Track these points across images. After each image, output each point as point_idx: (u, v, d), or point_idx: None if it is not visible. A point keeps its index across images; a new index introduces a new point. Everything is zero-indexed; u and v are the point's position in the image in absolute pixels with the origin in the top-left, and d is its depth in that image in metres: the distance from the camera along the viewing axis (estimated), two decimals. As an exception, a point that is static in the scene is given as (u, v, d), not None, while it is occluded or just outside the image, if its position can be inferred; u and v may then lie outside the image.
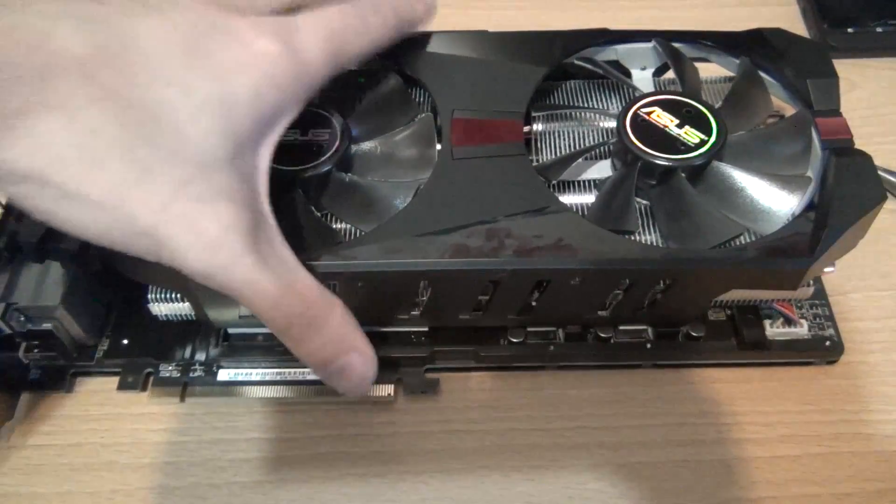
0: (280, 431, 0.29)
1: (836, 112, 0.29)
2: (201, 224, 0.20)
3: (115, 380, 0.30)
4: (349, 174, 0.28)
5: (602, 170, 0.30)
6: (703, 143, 0.28)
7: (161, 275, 0.25)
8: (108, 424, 0.30)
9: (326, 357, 0.23)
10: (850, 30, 0.43)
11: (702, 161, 0.27)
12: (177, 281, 0.26)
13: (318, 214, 0.28)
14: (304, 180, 0.27)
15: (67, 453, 0.29)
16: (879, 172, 0.37)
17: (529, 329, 0.31)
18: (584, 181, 0.29)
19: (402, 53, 0.30)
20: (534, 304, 0.28)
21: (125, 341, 0.31)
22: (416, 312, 0.29)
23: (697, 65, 0.32)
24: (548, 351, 0.31)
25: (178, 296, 0.29)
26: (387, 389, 0.30)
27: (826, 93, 0.29)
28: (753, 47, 0.31)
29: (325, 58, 0.24)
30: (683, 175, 0.27)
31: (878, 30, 0.43)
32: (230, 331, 0.31)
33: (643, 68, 0.33)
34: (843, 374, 0.31)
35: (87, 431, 0.29)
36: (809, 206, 0.27)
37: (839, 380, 0.31)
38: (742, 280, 0.27)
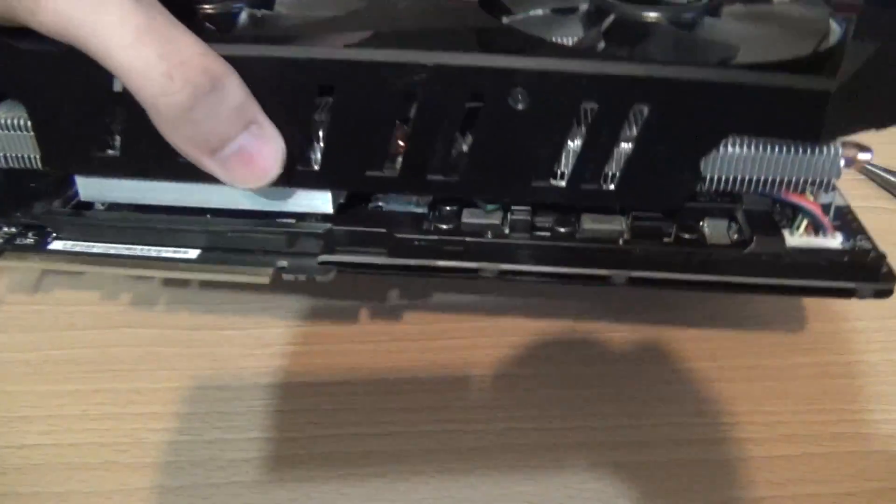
0: (280, 431, 0.29)
1: (854, 6, 0.23)
2: None
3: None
4: (262, 10, 0.24)
5: (572, 31, 0.25)
6: None
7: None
8: (107, 424, 0.30)
9: (221, 135, 0.19)
10: (849, 30, 0.43)
11: (692, 14, 0.22)
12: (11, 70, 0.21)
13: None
14: (212, 16, 0.23)
15: (67, 453, 0.29)
16: (879, 172, 0.37)
17: (465, 220, 0.24)
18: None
19: None
20: (464, 148, 0.22)
21: None
22: (314, 167, 0.23)
23: None
24: (485, 245, 0.24)
25: (14, 123, 0.23)
26: (263, 275, 0.24)
27: None
28: None
29: None
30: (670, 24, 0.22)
31: (858, 167, 0.43)
32: (83, 197, 0.26)
33: None
34: (843, 373, 0.31)
35: (86, 431, 0.29)
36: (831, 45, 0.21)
37: (839, 380, 0.31)
38: (741, 111, 0.20)
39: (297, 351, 0.32)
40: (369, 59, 0.20)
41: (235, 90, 0.19)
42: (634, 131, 0.21)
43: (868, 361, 0.31)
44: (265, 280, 0.25)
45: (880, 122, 0.21)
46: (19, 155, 0.24)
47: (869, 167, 0.36)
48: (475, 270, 0.24)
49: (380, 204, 0.26)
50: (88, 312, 0.35)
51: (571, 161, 0.22)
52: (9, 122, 0.23)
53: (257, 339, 0.33)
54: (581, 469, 0.28)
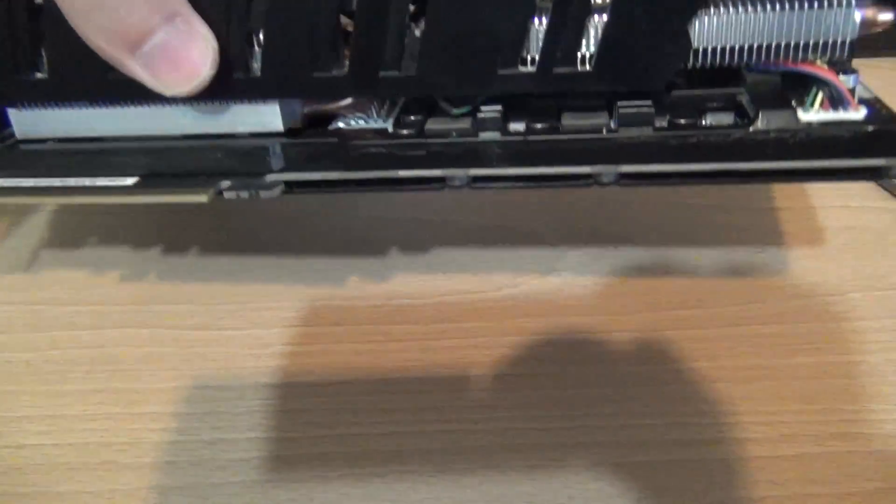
0: (280, 431, 0.29)
1: None
2: None
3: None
4: None
5: None
6: None
7: None
8: (107, 424, 0.30)
9: (139, 25, 0.17)
10: (849, 30, 0.43)
11: None
12: None
13: None
14: None
15: (67, 453, 0.29)
16: (879, 172, 0.37)
17: (429, 127, 0.22)
18: None
19: None
20: (418, 34, 0.20)
21: None
22: (253, 72, 0.20)
23: None
24: (452, 146, 0.21)
25: None
26: (201, 194, 0.22)
27: None
28: None
29: None
30: None
31: (879, 29, 0.43)
32: (18, 135, 0.25)
33: None
34: (843, 374, 0.31)
35: (86, 431, 0.29)
36: None
37: (839, 380, 0.31)
38: None
39: (297, 351, 0.32)
40: None
41: None
42: None
43: (868, 361, 0.31)
44: (204, 199, 0.22)
45: None
46: None
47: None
48: (442, 179, 0.22)
49: (339, 125, 0.23)
50: (88, 312, 0.35)
51: (541, 43, 0.19)
52: None
53: (257, 339, 0.33)
54: (581, 469, 0.28)
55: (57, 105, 0.23)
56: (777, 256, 0.34)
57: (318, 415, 0.30)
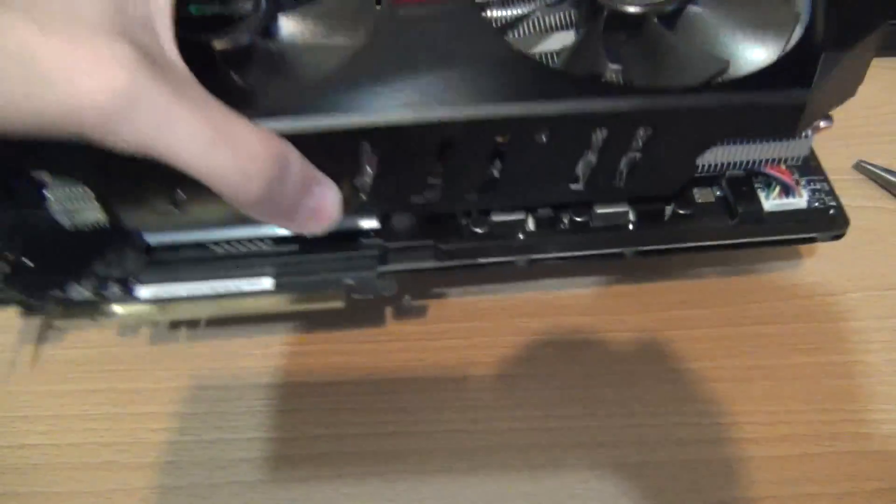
0: (280, 431, 0.29)
1: None
2: (80, 64, 0.17)
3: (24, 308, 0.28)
4: (276, 41, 0.26)
5: (564, 40, 0.27)
6: None
7: (58, 154, 0.22)
8: (107, 424, 0.30)
9: (295, 202, 0.21)
10: (849, 30, 0.43)
11: (676, 5, 0.25)
12: (75, 164, 0.23)
13: (242, 83, 0.25)
14: (226, 52, 0.24)
15: (67, 453, 0.29)
16: (879, 172, 0.37)
17: (495, 219, 0.27)
18: (545, 53, 0.26)
19: None
20: (496, 175, 0.25)
21: (29, 261, 0.27)
22: (361, 197, 0.25)
23: None
24: (517, 241, 0.27)
25: (84, 195, 0.25)
26: (336, 299, 0.27)
27: None
28: None
29: None
30: (656, 20, 0.25)
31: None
32: (151, 242, 0.28)
33: None
34: (843, 374, 0.31)
35: (86, 431, 0.29)
36: (802, 41, 0.24)
37: (839, 380, 0.31)
38: (731, 124, 0.24)
39: (297, 351, 0.32)
40: (407, 122, 0.22)
41: (296, 163, 0.21)
42: (640, 142, 0.24)
43: (868, 361, 0.31)
44: (340, 305, 0.27)
45: (840, 101, 0.25)
46: (88, 220, 0.25)
47: (869, 167, 0.36)
48: (510, 262, 0.28)
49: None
50: (88, 312, 0.35)
51: (587, 169, 0.25)
52: (78, 193, 0.25)
53: (257, 340, 0.33)
54: (582, 468, 0.28)
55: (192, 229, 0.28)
56: (777, 257, 0.34)
57: (318, 415, 0.30)
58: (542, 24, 0.27)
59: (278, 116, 0.22)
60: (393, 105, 0.22)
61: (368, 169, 0.24)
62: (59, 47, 0.17)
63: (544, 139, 0.23)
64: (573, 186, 0.26)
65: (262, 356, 0.32)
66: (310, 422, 0.30)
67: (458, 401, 0.30)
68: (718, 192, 0.28)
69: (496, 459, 0.29)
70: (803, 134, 0.26)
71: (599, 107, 0.22)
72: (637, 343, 0.32)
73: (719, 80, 0.24)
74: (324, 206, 0.22)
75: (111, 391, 0.30)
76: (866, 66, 0.25)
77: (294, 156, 0.21)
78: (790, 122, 0.23)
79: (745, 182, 0.28)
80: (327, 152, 0.22)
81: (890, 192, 0.37)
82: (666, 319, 0.32)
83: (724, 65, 0.24)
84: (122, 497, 0.28)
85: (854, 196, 0.30)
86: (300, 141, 0.21)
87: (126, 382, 0.31)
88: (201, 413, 0.30)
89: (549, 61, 0.26)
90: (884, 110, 0.40)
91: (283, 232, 0.28)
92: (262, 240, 0.28)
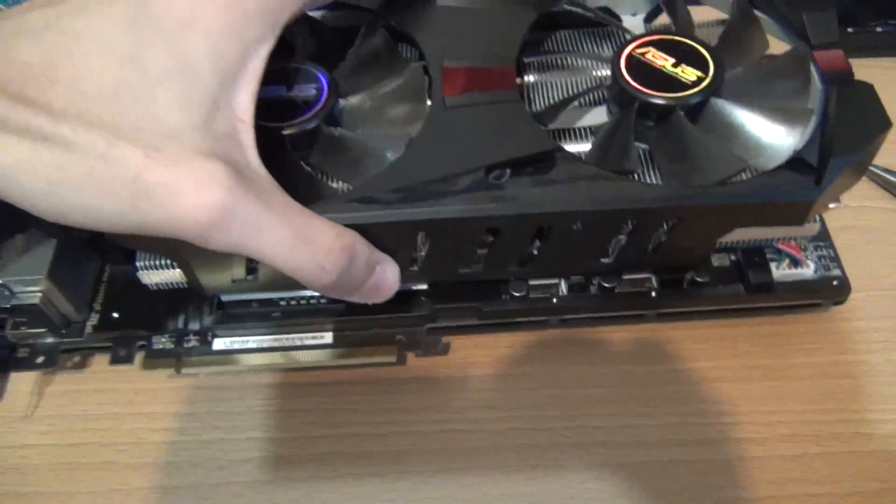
0: (280, 431, 0.29)
1: (834, 44, 0.28)
2: (181, 184, 0.20)
3: (106, 356, 0.30)
4: (338, 128, 0.28)
5: (598, 116, 0.29)
6: (700, 80, 0.27)
7: (150, 242, 0.24)
8: (107, 424, 0.30)
9: (361, 283, 0.24)
10: (850, 30, 0.43)
11: (700, 98, 0.27)
12: (165, 246, 0.26)
13: (310, 170, 0.27)
14: (293, 136, 0.27)
15: (67, 453, 0.29)
16: (879, 172, 0.37)
17: (531, 282, 0.30)
18: (580, 129, 0.29)
19: (387, 6, 0.30)
20: (535, 252, 0.28)
21: (115, 314, 0.30)
22: (414, 268, 0.28)
23: (690, 8, 0.31)
24: (551, 304, 0.30)
25: (169, 263, 0.28)
26: (389, 354, 0.30)
27: (823, 25, 0.28)
28: None
29: None
30: (682, 113, 0.27)
31: (878, 30, 0.43)
32: (223, 298, 0.30)
33: (634, 13, 0.33)
34: (844, 374, 0.31)
35: (86, 431, 0.29)
36: (813, 139, 0.26)
37: (839, 380, 0.31)
38: (748, 216, 0.26)
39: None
40: (458, 216, 0.25)
41: (363, 251, 0.24)
42: (665, 228, 0.27)
43: (868, 361, 0.31)
44: (392, 359, 0.30)
45: (848, 188, 0.27)
46: (170, 282, 0.29)
47: (869, 167, 0.36)
48: (544, 321, 0.31)
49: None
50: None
51: (616, 246, 0.28)
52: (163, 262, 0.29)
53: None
54: (581, 469, 0.28)
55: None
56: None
57: (318, 415, 0.30)
58: (580, 102, 0.30)
59: (344, 208, 0.24)
60: (445, 198, 0.25)
61: (421, 245, 0.27)
62: (163, 171, 0.20)
63: (579, 227, 0.25)
64: (604, 260, 0.29)
65: (262, 356, 0.32)
66: (310, 422, 0.30)
67: (459, 401, 0.30)
68: (733, 257, 0.31)
69: (496, 459, 0.29)
70: (813, 219, 0.28)
71: (628, 205, 0.25)
72: (637, 343, 0.32)
73: (737, 178, 0.26)
74: (384, 280, 0.25)
75: (111, 391, 0.30)
76: (871, 159, 0.26)
77: (361, 245, 0.24)
78: (801, 214, 0.26)
79: (758, 253, 0.31)
80: (387, 238, 0.25)
81: (890, 192, 0.37)
82: (666, 320, 0.32)
83: (743, 165, 0.26)
84: (122, 497, 0.28)
85: (854, 196, 0.30)
86: (363, 228, 0.24)
87: (126, 382, 0.31)
88: (201, 413, 0.30)
89: (587, 135, 0.29)
90: (884, 110, 0.40)
91: None
92: (321, 297, 0.30)
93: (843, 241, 0.31)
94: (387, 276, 0.25)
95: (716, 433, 0.29)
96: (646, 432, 0.29)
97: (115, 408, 0.30)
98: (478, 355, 0.31)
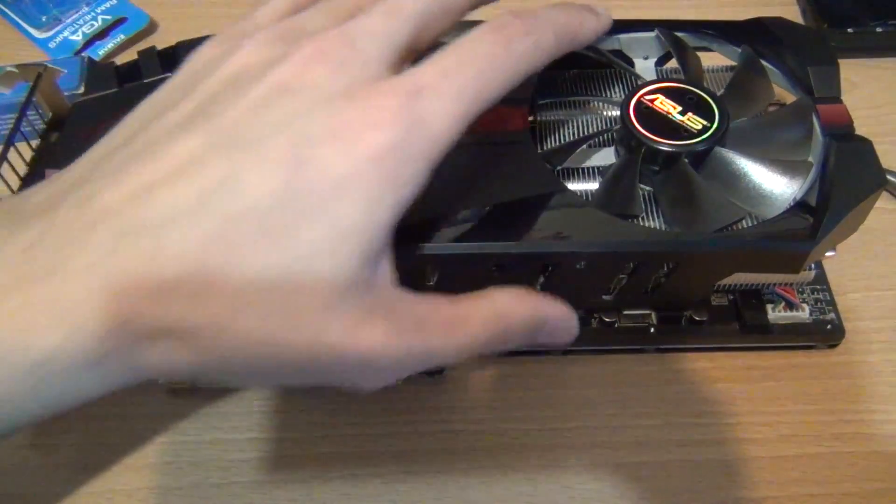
0: (280, 431, 0.29)
1: (836, 99, 0.29)
2: (364, 343, 0.20)
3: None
4: None
5: (606, 157, 0.30)
6: (705, 129, 0.28)
7: None
8: (108, 424, 0.30)
9: (527, 336, 0.23)
10: (850, 30, 0.43)
11: (705, 147, 0.28)
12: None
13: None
14: None
15: (71, 453, 0.29)
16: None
17: None
18: (588, 168, 0.29)
19: None
20: (538, 288, 0.28)
21: None
22: None
23: (699, 54, 0.32)
24: None
25: None
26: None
27: (826, 80, 0.29)
28: (754, 36, 0.32)
29: (455, 124, 0.20)
30: (687, 161, 0.28)
31: (878, 30, 0.43)
32: None
33: (645, 58, 0.33)
34: (844, 374, 0.31)
35: (87, 431, 0.29)
36: (811, 191, 0.27)
37: (839, 380, 0.31)
38: (745, 264, 0.27)
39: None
40: (465, 253, 0.25)
41: (517, 312, 0.23)
42: (664, 270, 0.28)
43: (868, 361, 0.31)
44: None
45: (843, 239, 0.28)
46: None
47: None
48: (545, 352, 0.32)
49: None
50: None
51: (617, 284, 0.29)
52: None
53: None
54: (581, 469, 0.28)
55: None
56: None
57: (318, 415, 0.30)
58: (589, 144, 0.30)
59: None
60: (454, 235, 0.25)
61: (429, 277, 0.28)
62: (340, 330, 0.20)
63: (582, 266, 0.26)
64: (605, 297, 0.29)
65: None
66: (310, 422, 0.30)
67: (458, 401, 0.30)
68: (731, 297, 0.32)
69: (496, 459, 0.29)
70: (808, 267, 0.29)
71: (630, 248, 0.26)
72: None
73: (737, 226, 0.27)
74: (558, 328, 0.24)
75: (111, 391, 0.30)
76: (867, 213, 0.27)
77: (509, 301, 0.23)
78: (797, 264, 0.27)
79: (755, 295, 0.31)
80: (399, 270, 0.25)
81: (890, 192, 0.37)
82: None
83: (743, 214, 0.27)
84: (122, 497, 0.28)
85: (854, 196, 0.30)
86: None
87: (126, 382, 0.31)
88: (201, 413, 0.30)
89: (594, 175, 0.29)
90: (884, 110, 0.40)
91: None
92: None
93: (843, 242, 0.31)
94: (556, 322, 0.24)
95: (716, 433, 0.29)
96: (645, 433, 0.29)
97: (115, 408, 0.30)
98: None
